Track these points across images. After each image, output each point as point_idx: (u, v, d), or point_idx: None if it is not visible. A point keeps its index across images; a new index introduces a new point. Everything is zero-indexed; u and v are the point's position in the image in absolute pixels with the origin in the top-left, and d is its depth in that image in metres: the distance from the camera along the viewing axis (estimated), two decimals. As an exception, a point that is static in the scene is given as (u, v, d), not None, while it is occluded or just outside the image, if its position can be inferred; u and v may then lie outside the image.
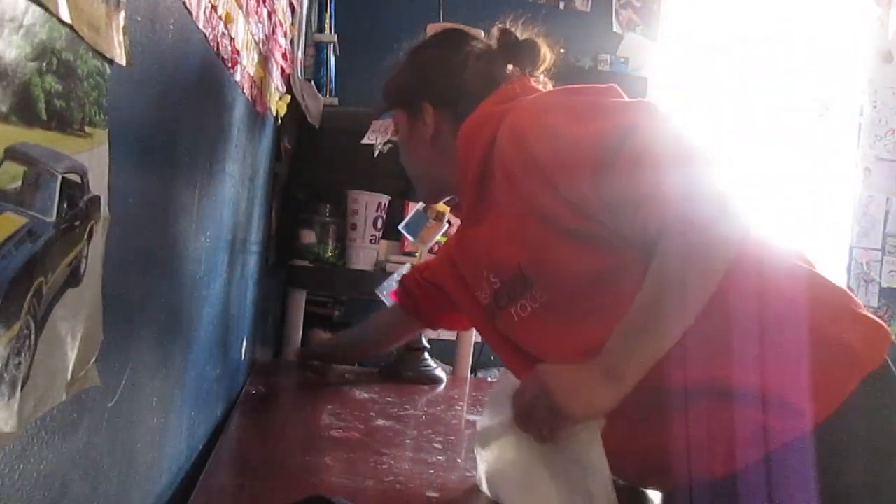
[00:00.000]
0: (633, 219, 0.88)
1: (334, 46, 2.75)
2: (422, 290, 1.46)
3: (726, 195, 0.86)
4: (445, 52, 1.19)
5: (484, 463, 0.98)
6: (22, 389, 0.48)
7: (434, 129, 1.17)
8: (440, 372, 1.84)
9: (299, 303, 2.06)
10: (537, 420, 0.88)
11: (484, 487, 1.00)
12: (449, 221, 1.81)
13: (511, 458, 0.93)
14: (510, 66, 1.17)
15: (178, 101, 0.85)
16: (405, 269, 1.81)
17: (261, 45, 1.39)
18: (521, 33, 1.18)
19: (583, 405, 0.85)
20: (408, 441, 1.30)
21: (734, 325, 0.90)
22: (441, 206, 1.78)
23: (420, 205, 1.80)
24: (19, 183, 0.46)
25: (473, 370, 2.27)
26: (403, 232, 1.80)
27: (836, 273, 3.56)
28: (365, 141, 1.82)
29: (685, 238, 0.85)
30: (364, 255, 2.07)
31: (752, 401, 0.89)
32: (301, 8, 2.01)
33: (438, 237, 1.78)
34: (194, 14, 0.87)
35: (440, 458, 1.19)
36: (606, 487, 0.86)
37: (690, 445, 0.91)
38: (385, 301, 1.77)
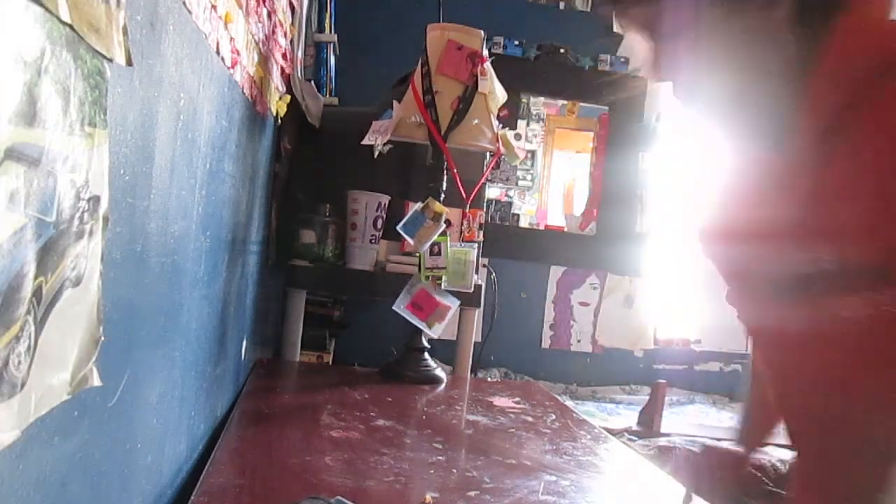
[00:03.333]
0: None
1: (334, 46, 2.75)
2: None
3: None
4: None
5: None
6: (22, 389, 0.48)
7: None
8: (440, 372, 1.84)
9: (299, 303, 2.06)
10: None
11: None
12: (447, 221, 1.81)
13: None
14: None
15: (177, 101, 0.85)
16: (414, 279, 1.80)
17: (261, 45, 1.39)
18: None
19: None
20: (408, 441, 1.30)
21: None
22: (438, 206, 1.78)
23: (418, 205, 1.80)
24: (19, 183, 0.46)
25: (473, 370, 2.27)
26: (401, 232, 1.80)
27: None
28: (365, 141, 1.82)
29: None
30: (364, 255, 2.07)
31: None
32: (301, 8, 2.01)
33: (435, 237, 1.78)
34: (194, 14, 0.87)
35: (440, 458, 1.19)
36: None
37: None
38: (406, 316, 1.76)
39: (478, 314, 2.16)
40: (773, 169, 0.79)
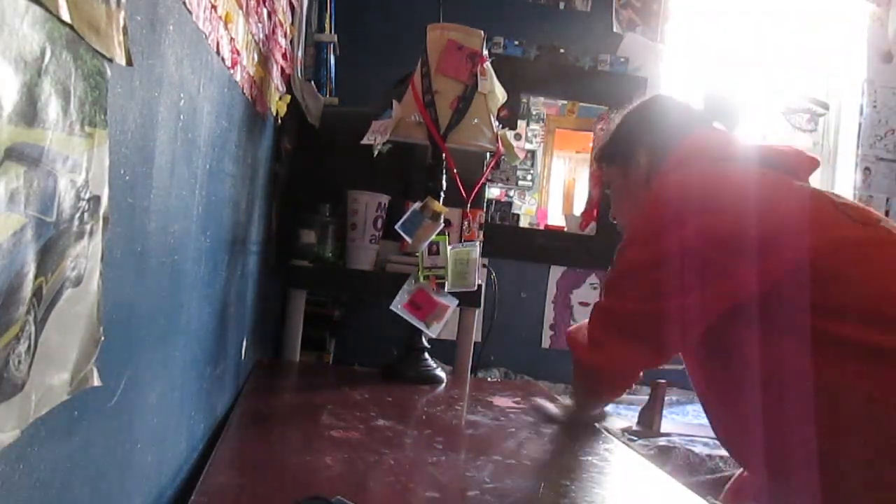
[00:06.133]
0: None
1: (334, 46, 2.75)
2: None
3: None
4: (663, 108, 1.47)
5: None
6: (22, 389, 0.48)
7: (647, 169, 1.40)
8: (440, 372, 1.84)
9: (299, 303, 2.06)
10: None
11: None
12: (446, 220, 1.81)
13: None
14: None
15: (177, 101, 0.85)
16: (411, 278, 1.80)
17: (261, 45, 1.39)
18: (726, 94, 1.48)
19: None
20: (408, 441, 1.30)
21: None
22: (437, 205, 1.78)
23: (416, 204, 1.80)
24: (19, 183, 0.46)
25: (473, 370, 2.27)
26: (399, 231, 1.80)
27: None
28: (365, 141, 1.82)
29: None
30: (364, 255, 2.06)
31: None
32: (301, 8, 2.01)
33: (434, 237, 1.78)
34: (194, 14, 0.87)
35: (440, 458, 1.19)
36: None
37: None
38: (404, 315, 1.76)
39: (478, 314, 2.16)
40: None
